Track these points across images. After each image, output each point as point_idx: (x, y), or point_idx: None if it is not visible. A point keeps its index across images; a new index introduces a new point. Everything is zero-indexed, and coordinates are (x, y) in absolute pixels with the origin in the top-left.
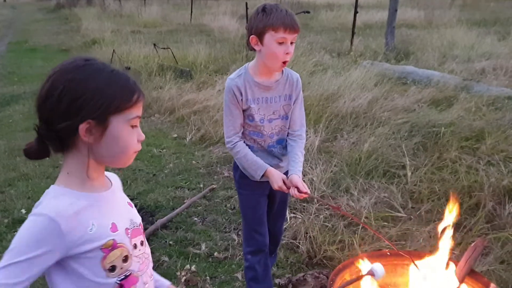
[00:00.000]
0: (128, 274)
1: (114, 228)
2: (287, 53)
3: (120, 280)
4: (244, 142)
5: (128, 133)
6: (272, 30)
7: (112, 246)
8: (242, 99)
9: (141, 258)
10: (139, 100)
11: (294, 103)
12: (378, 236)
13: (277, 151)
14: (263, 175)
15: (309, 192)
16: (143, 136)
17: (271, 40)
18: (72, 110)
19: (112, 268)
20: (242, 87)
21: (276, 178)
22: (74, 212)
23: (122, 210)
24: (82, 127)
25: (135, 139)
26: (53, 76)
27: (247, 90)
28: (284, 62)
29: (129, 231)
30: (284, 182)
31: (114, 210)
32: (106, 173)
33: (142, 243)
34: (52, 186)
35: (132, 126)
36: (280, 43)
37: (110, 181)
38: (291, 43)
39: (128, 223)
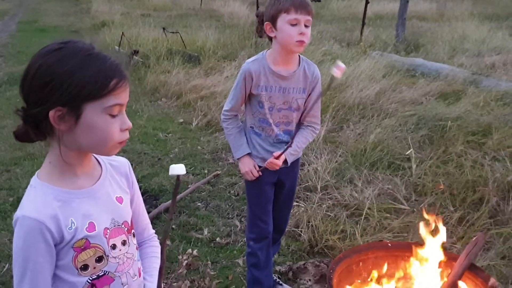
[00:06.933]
0: (101, 274)
1: (91, 228)
2: (301, 33)
3: (91, 280)
4: (252, 128)
5: (105, 123)
6: (284, 12)
7: (84, 246)
8: (252, 85)
9: (121, 259)
10: (118, 87)
11: (309, 96)
12: None
13: (286, 141)
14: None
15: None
16: (128, 125)
17: (283, 23)
18: (43, 96)
19: (84, 267)
20: (255, 71)
21: (246, 165)
22: (52, 213)
23: (105, 208)
24: (52, 114)
25: (116, 128)
26: (31, 60)
27: (261, 76)
28: (301, 42)
29: (108, 231)
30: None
31: (94, 208)
32: (112, 157)
33: (124, 243)
34: (33, 178)
35: (112, 115)
36: (293, 25)
37: (101, 170)
38: (306, 26)
39: (109, 222)
